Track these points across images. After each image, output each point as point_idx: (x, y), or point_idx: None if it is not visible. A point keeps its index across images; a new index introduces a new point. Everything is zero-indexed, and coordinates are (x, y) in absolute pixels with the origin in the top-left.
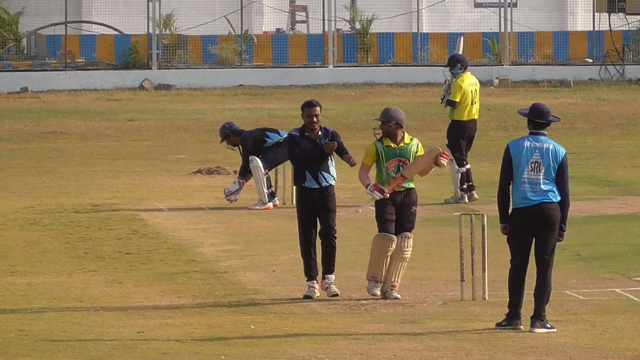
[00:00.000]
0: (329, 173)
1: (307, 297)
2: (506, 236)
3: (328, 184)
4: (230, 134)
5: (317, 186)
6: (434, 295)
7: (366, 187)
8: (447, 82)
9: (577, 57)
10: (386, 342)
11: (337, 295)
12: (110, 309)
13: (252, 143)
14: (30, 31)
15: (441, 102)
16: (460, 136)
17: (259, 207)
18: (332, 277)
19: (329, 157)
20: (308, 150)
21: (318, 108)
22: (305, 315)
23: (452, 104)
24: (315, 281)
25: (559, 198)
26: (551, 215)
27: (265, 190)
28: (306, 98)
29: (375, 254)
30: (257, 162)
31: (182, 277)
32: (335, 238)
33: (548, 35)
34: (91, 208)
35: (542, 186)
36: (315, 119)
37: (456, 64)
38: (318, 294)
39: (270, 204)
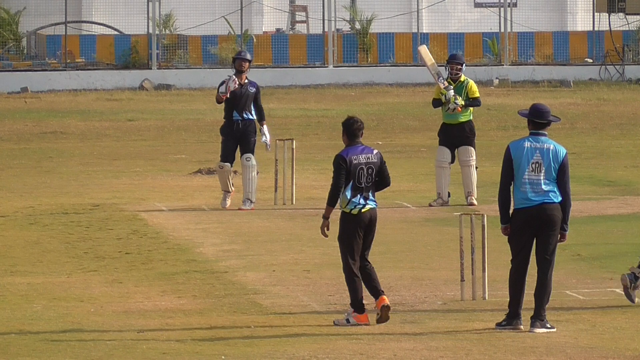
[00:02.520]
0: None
1: (336, 325)
2: (507, 236)
3: (373, 206)
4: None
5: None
6: (434, 295)
7: None
8: (442, 81)
9: (577, 57)
10: (386, 342)
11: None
12: (110, 309)
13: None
14: (30, 31)
15: (461, 104)
16: None
17: (247, 207)
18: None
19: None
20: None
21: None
22: (305, 315)
23: (479, 102)
24: (357, 313)
25: (560, 198)
26: (552, 215)
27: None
28: (306, 98)
29: None
30: (254, 161)
31: (182, 277)
32: (368, 262)
33: (548, 35)
34: (91, 208)
35: (543, 186)
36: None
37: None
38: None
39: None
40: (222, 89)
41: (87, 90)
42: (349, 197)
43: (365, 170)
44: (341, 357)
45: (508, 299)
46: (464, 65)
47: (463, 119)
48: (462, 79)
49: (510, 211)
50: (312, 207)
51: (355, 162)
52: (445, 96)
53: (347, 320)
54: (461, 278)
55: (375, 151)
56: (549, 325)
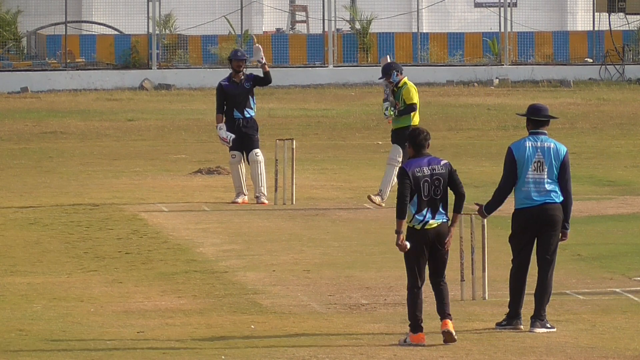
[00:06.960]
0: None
1: (399, 344)
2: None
3: (442, 220)
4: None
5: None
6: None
7: None
8: (386, 93)
9: (577, 57)
10: (386, 342)
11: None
12: (110, 309)
13: None
14: (30, 31)
15: (390, 115)
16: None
17: (264, 201)
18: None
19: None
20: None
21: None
22: (305, 315)
23: (413, 108)
24: (412, 332)
25: (561, 198)
26: (554, 215)
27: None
28: (306, 98)
29: None
30: (262, 157)
31: (182, 277)
32: (442, 280)
33: (548, 35)
34: (91, 208)
35: (546, 186)
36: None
37: (392, 72)
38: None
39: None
40: (222, 134)
41: (87, 90)
42: (413, 212)
43: (430, 182)
44: (341, 357)
45: (508, 299)
46: (393, 74)
47: (401, 124)
48: (400, 84)
49: (511, 212)
50: (312, 207)
51: (418, 174)
52: (382, 107)
53: (405, 341)
54: (461, 278)
55: (443, 162)
56: (549, 325)
